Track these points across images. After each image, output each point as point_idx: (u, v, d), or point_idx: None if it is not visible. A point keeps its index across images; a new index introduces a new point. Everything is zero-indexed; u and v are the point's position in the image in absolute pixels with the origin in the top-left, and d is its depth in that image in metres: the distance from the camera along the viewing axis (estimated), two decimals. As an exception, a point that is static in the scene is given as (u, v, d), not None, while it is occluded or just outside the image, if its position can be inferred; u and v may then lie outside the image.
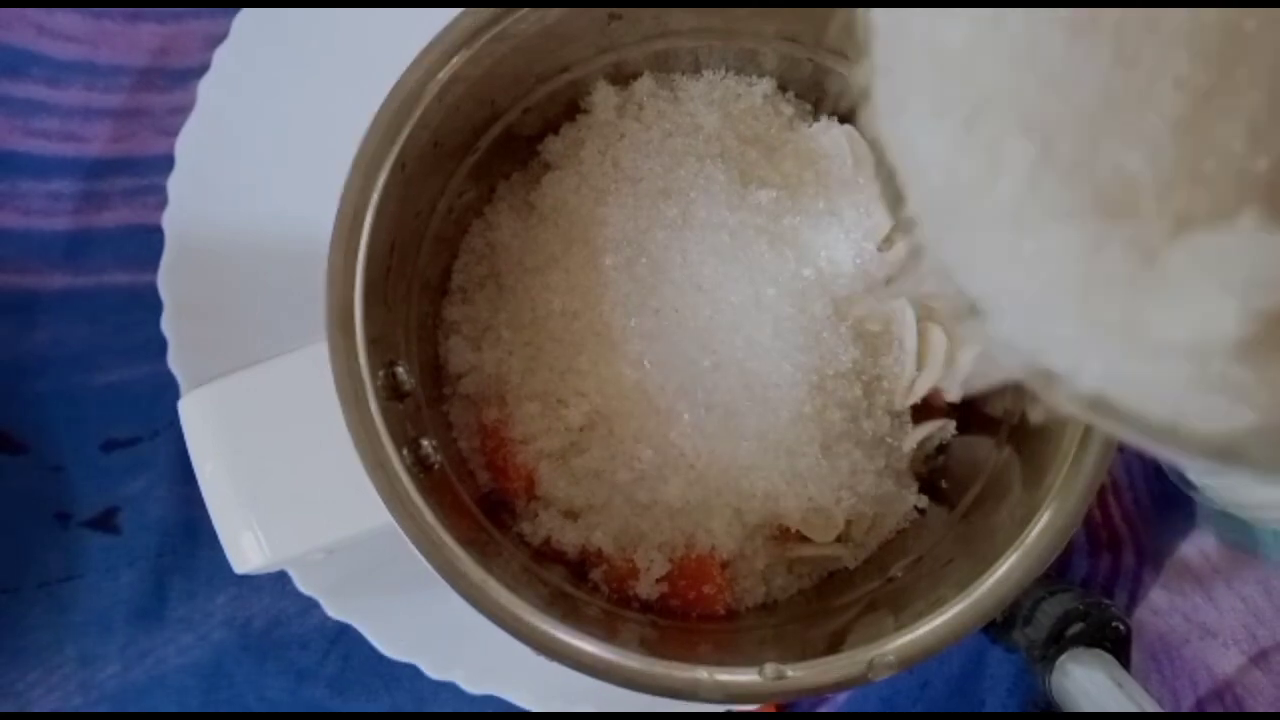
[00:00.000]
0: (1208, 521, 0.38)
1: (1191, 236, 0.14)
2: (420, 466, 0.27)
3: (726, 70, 0.34)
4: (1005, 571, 0.26)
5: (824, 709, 0.38)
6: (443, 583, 0.25)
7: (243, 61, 0.36)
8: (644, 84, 0.33)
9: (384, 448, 0.25)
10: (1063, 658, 0.33)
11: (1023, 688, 0.38)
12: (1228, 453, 0.15)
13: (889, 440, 0.32)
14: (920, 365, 0.32)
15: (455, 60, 0.27)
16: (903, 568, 0.30)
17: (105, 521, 0.37)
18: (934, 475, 0.34)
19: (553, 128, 0.34)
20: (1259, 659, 0.38)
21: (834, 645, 0.26)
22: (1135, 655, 0.35)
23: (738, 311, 0.30)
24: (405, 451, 0.26)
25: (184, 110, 0.36)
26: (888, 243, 0.33)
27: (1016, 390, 0.31)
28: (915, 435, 0.32)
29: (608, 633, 0.26)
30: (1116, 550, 0.38)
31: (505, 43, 0.28)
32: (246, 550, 0.28)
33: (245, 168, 0.36)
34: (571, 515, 0.31)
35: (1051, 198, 0.15)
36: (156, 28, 0.39)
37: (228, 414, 0.28)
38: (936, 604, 0.26)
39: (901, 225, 0.18)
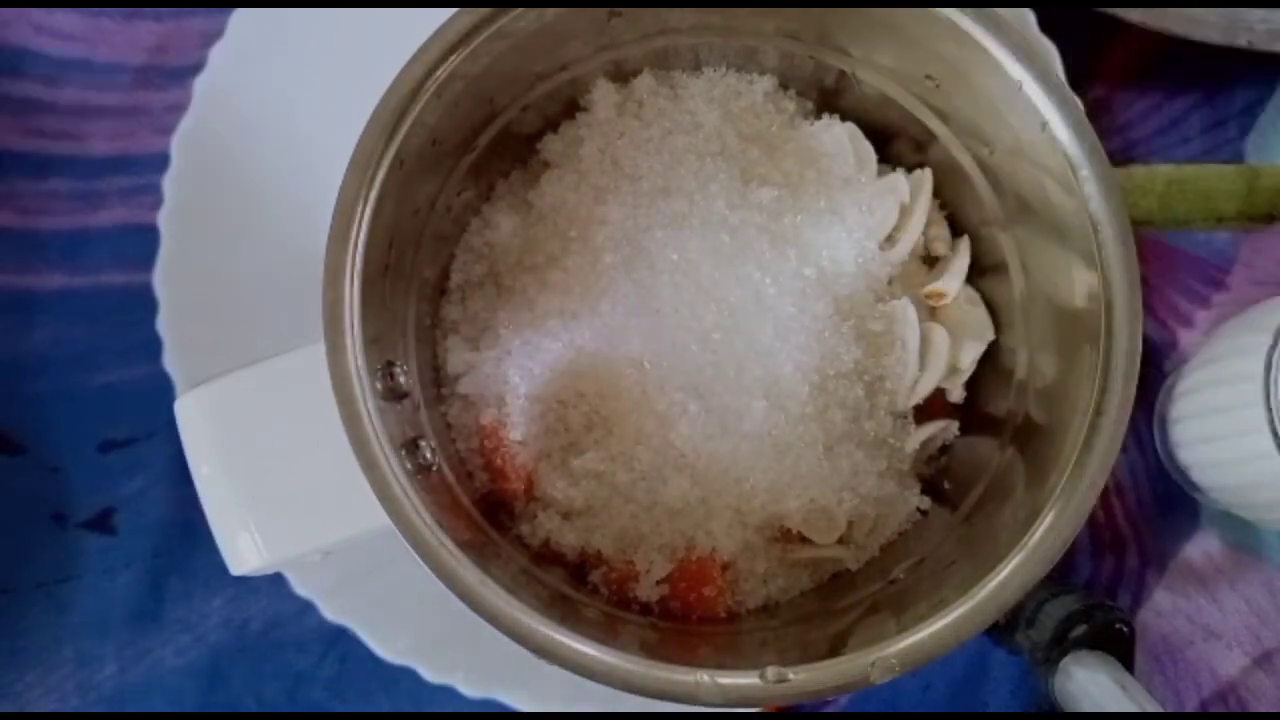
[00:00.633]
0: (1211, 523, 0.38)
1: None
2: (418, 468, 0.27)
3: (727, 68, 0.33)
4: (1008, 574, 0.26)
5: (826, 711, 0.38)
6: (441, 585, 0.25)
7: (238, 59, 0.36)
8: (644, 82, 0.33)
9: (381, 449, 0.25)
10: (1066, 660, 0.33)
11: (1025, 690, 0.37)
12: None
13: (891, 441, 0.32)
14: (923, 365, 0.32)
15: (453, 58, 0.27)
16: (905, 569, 0.30)
17: (102, 522, 0.37)
18: (936, 476, 0.33)
19: (552, 126, 0.34)
20: (1263, 661, 0.38)
21: (835, 648, 0.26)
22: (1139, 657, 0.35)
23: (738, 311, 0.30)
24: (403, 452, 0.26)
25: (182, 108, 0.36)
26: (889, 242, 0.32)
27: (1019, 390, 0.31)
28: (918, 436, 0.32)
29: (607, 635, 0.26)
30: (1120, 552, 0.38)
31: (504, 40, 0.27)
32: (243, 552, 0.28)
33: (241, 166, 0.36)
34: (571, 517, 0.31)
35: None
36: (154, 26, 0.39)
37: (224, 415, 0.28)
38: (939, 606, 0.26)
39: None
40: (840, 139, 0.32)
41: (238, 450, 0.28)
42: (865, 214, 0.32)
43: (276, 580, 0.34)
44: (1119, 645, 0.34)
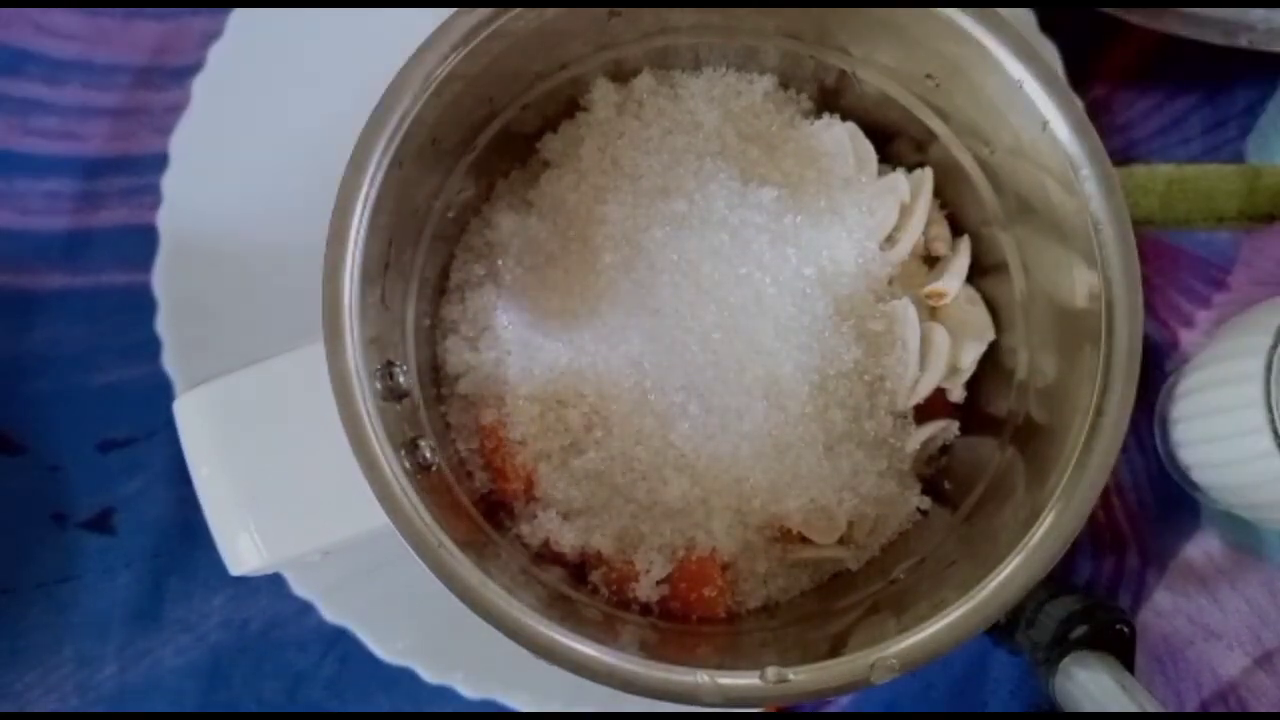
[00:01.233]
0: (1212, 523, 0.38)
1: None
2: (418, 468, 0.27)
3: (727, 67, 0.33)
4: (1009, 574, 0.26)
5: (826, 711, 0.38)
6: (441, 585, 0.25)
7: (238, 59, 0.36)
8: (644, 81, 0.33)
9: (381, 449, 0.25)
10: (1066, 660, 0.33)
11: (1026, 690, 0.37)
12: None
13: (891, 441, 0.32)
14: (923, 365, 0.32)
15: (453, 58, 0.27)
16: (905, 570, 0.30)
17: (102, 522, 0.37)
18: (937, 476, 0.33)
19: (552, 125, 0.34)
20: (1263, 661, 0.38)
21: (836, 648, 0.26)
22: (1139, 658, 0.35)
23: (738, 311, 0.30)
24: (403, 452, 0.26)
25: (181, 109, 0.36)
26: (890, 241, 0.32)
27: (1020, 390, 0.31)
28: (918, 436, 0.32)
29: (607, 635, 0.26)
30: (1120, 552, 0.38)
31: (503, 40, 0.27)
32: (243, 552, 0.28)
33: (240, 166, 0.36)
34: (570, 517, 0.31)
35: None
36: (154, 25, 0.39)
37: (224, 415, 0.28)
38: (939, 606, 0.26)
39: None
40: (840, 139, 0.32)
41: (237, 450, 0.28)
42: (865, 214, 0.32)
43: (276, 580, 0.34)
44: (1119, 645, 0.34)
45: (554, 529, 0.31)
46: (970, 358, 0.32)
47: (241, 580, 0.30)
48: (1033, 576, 0.26)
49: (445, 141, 0.29)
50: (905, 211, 0.32)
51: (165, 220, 0.36)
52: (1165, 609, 0.38)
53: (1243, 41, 0.36)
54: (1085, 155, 0.27)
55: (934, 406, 0.33)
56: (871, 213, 0.32)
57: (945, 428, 0.33)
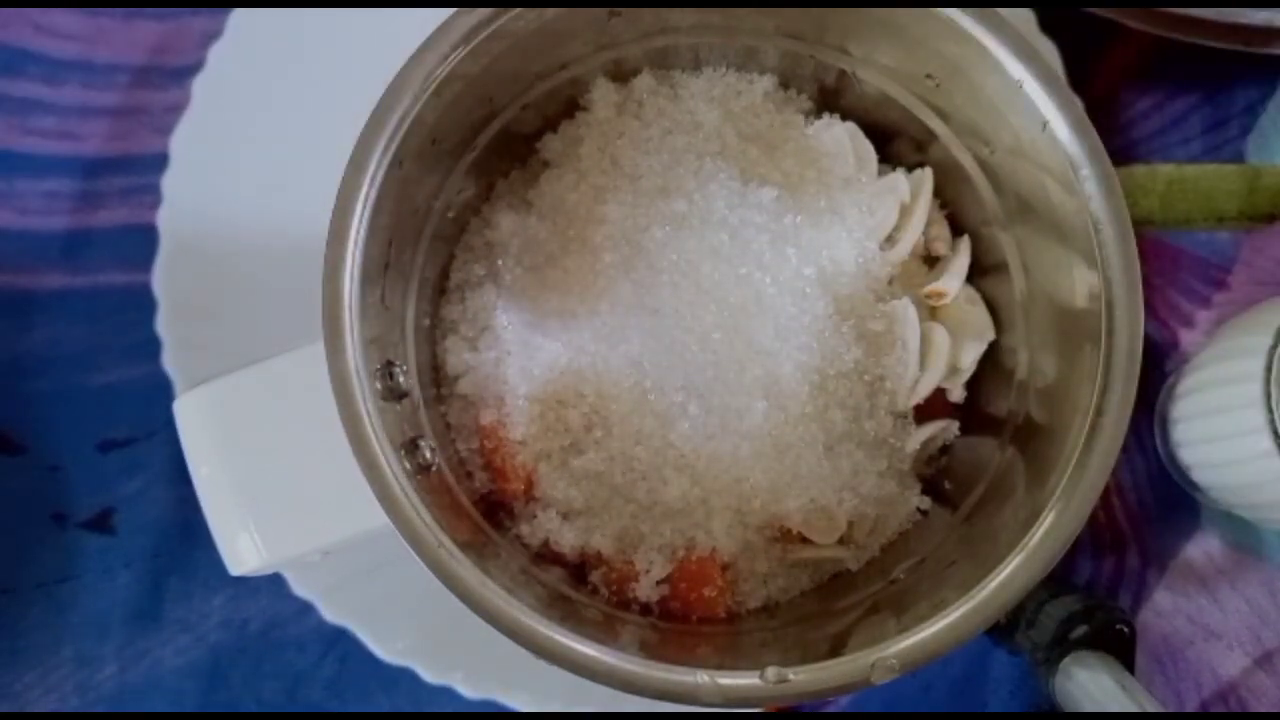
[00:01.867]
0: (1212, 523, 0.38)
1: None
2: (418, 468, 0.27)
3: (727, 67, 0.33)
4: (1009, 574, 0.26)
5: (826, 711, 0.37)
6: (440, 585, 0.25)
7: (237, 59, 0.36)
8: (643, 81, 0.33)
9: (381, 449, 0.25)
10: (1066, 660, 0.33)
11: (1026, 691, 0.37)
12: None
13: (891, 441, 0.32)
14: (923, 365, 0.32)
15: (453, 58, 0.27)
16: (905, 570, 0.30)
17: (101, 522, 0.37)
18: (937, 476, 0.33)
19: (551, 125, 0.34)
20: (1263, 661, 0.38)
21: (836, 648, 0.26)
22: (1139, 658, 0.35)
23: (738, 311, 0.30)
24: (403, 452, 0.26)
25: (181, 108, 0.36)
26: (890, 241, 0.32)
27: (1020, 390, 0.31)
28: (918, 436, 0.32)
29: (607, 635, 0.26)
30: (1120, 552, 0.38)
31: (503, 40, 0.27)
32: (243, 552, 0.28)
33: (240, 166, 0.36)
34: (570, 517, 0.31)
35: None
36: (154, 25, 0.39)
37: (223, 415, 0.28)
38: (939, 606, 0.26)
39: None
40: (840, 139, 0.32)
41: (237, 450, 0.28)
42: (865, 214, 0.32)
43: (276, 580, 0.34)
44: (1120, 645, 0.34)
45: (554, 529, 0.31)
46: (970, 358, 0.32)
47: (241, 580, 0.30)
48: (1033, 577, 0.26)
49: (445, 141, 0.29)
50: (905, 211, 0.32)
51: (165, 220, 0.36)
52: (1165, 609, 0.38)
53: (1240, 43, 0.36)
54: (1085, 155, 0.27)
55: (934, 406, 0.33)
56: (871, 213, 0.32)
57: (945, 428, 0.33)
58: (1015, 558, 0.26)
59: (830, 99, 0.34)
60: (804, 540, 0.31)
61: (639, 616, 0.30)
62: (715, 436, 0.30)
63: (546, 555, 0.31)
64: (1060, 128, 0.27)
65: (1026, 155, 0.28)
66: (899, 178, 0.33)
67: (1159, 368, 0.39)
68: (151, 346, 0.35)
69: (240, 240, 0.36)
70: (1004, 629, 0.35)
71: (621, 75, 0.33)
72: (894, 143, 0.34)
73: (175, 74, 0.39)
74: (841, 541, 0.32)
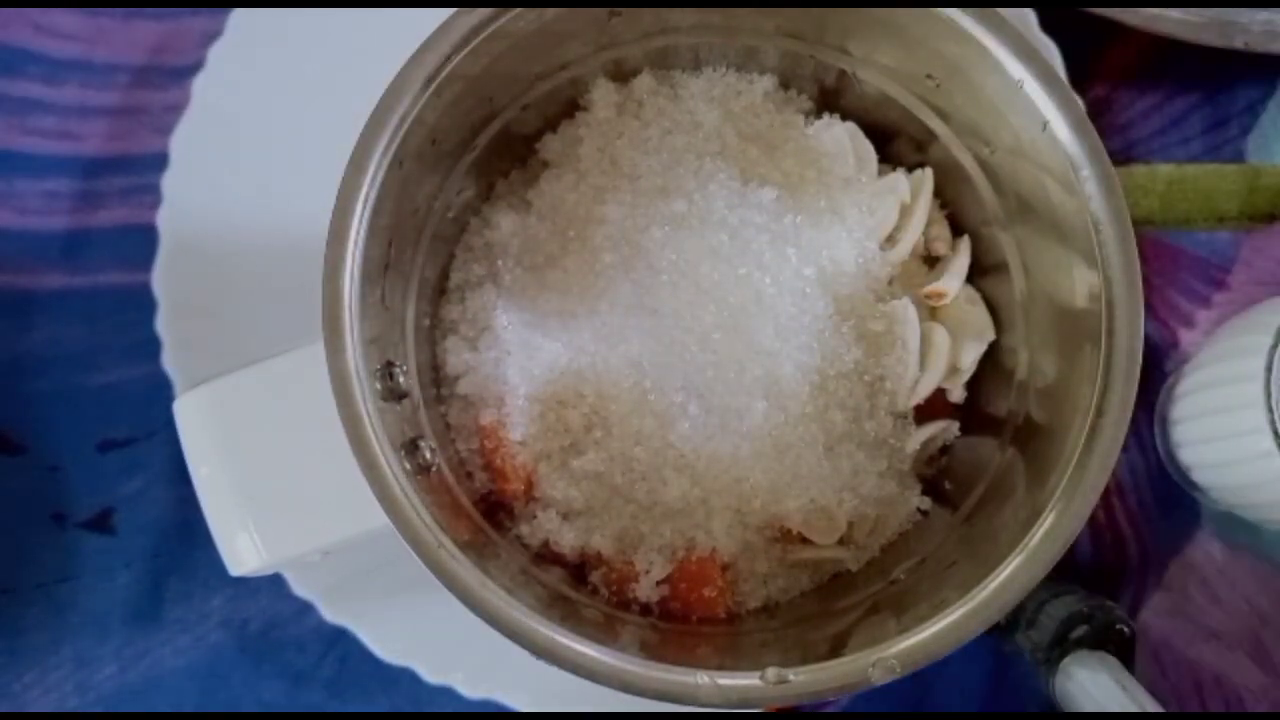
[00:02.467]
0: (1212, 523, 0.38)
1: None
2: (418, 468, 0.27)
3: (727, 67, 0.33)
4: (1009, 574, 0.26)
5: (826, 712, 0.37)
6: (440, 585, 0.25)
7: (237, 59, 0.36)
8: (643, 81, 0.33)
9: (381, 449, 0.25)
10: (1066, 660, 0.33)
11: (1026, 690, 0.37)
12: None
13: (891, 441, 0.32)
14: (923, 365, 0.32)
15: (453, 58, 0.27)
16: (905, 570, 0.30)
17: (101, 522, 0.37)
18: (937, 477, 0.33)
19: (551, 125, 0.34)
20: (1263, 661, 0.37)
21: (836, 648, 0.26)
22: (1139, 658, 0.35)
23: (738, 311, 0.30)
24: (403, 453, 0.26)
25: (181, 108, 0.36)
26: (890, 241, 0.32)
27: (1020, 390, 0.31)
28: (918, 436, 0.32)
29: (607, 636, 0.26)
30: (1120, 552, 0.38)
31: (503, 40, 0.27)
32: (242, 552, 0.28)
33: (240, 166, 0.36)
34: (570, 517, 0.31)
35: None
36: (153, 25, 0.39)
37: (223, 415, 0.28)
38: (939, 607, 0.26)
39: None
40: (840, 139, 0.32)
41: (237, 450, 0.28)
42: (865, 214, 0.32)
43: (276, 580, 0.34)
44: (1120, 645, 0.34)
45: (554, 529, 0.31)
46: (970, 358, 0.32)
47: (241, 580, 0.30)
48: (1033, 577, 0.26)
49: (445, 141, 0.29)
50: (905, 211, 0.32)
51: (165, 220, 0.36)
52: (1165, 609, 0.38)
53: (1239, 43, 0.36)
54: (1085, 155, 0.27)
55: (934, 406, 0.33)
56: (871, 213, 0.32)
57: (945, 428, 0.33)
58: (1015, 558, 0.26)
59: (830, 99, 0.34)
60: (804, 540, 0.31)
61: (639, 617, 0.30)
62: (715, 437, 0.30)
63: (546, 555, 0.31)
64: (1060, 128, 0.27)
65: (1026, 155, 0.28)
66: (899, 178, 0.33)
67: (1159, 368, 0.39)
68: (151, 346, 0.35)
69: (240, 240, 0.36)
70: (1004, 629, 0.35)
71: (621, 75, 0.33)
72: (894, 143, 0.34)
73: (175, 74, 0.39)
74: (841, 542, 0.32)
